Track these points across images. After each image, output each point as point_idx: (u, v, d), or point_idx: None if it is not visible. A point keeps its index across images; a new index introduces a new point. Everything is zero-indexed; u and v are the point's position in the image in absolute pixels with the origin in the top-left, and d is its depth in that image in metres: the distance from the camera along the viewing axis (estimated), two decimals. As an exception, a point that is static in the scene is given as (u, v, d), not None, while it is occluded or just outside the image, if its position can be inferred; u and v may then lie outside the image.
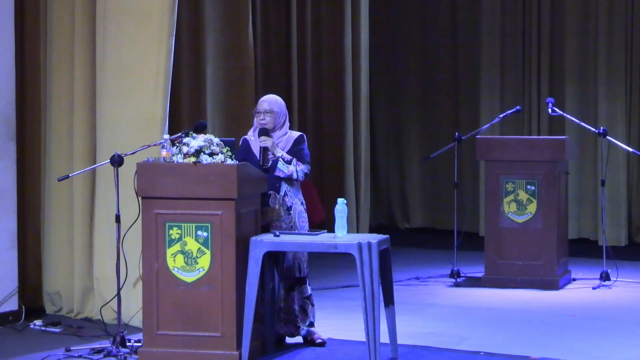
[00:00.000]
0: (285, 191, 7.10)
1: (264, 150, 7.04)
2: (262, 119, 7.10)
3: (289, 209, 7.09)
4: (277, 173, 7.03)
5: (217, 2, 9.87)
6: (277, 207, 7.06)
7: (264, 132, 7.05)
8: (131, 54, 7.76)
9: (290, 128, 7.26)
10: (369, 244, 6.45)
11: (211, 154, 6.55)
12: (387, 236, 6.80)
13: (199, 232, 6.57)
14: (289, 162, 7.04)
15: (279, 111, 7.15)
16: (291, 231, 6.96)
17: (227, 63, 9.92)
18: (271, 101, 7.18)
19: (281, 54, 11.46)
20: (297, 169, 7.06)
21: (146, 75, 7.69)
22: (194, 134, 6.67)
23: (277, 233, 6.72)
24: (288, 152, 7.09)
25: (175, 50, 7.80)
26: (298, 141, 7.16)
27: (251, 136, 7.22)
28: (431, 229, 13.49)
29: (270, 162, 7.05)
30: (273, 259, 6.91)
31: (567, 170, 9.89)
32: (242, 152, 7.15)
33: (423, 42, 13.68)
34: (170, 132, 7.34)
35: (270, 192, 7.04)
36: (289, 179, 7.08)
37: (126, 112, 7.75)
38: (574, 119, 10.33)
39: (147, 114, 7.64)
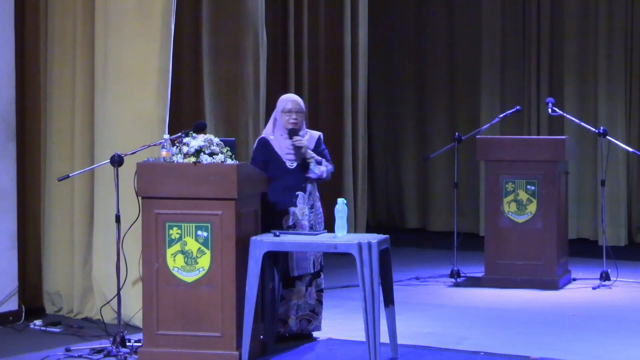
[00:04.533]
0: (310, 190, 7.19)
1: (297, 149, 7.07)
2: (295, 119, 7.13)
3: (312, 206, 7.17)
4: (310, 174, 7.12)
5: (217, 2, 9.85)
6: (304, 206, 7.10)
7: (295, 132, 7.09)
8: (131, 54, 7.76)
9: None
10: (369, 244, 6.44)
11: (211, 154, 6.55)
12: (387, 236, 6.80)
13: (199, 232, 6.56)
14: (319, 163, 7.10)
15: (305, 111, 7.20)
16: (291, 231, 6.97)
17: (227, 63, 9.91)
18: (299, 101, 7.26)
19: (280, 55, 11.44)
20: (326, 170, 7.13)
21: (146, 75, 7.69)
22: (194, 134, 6.67)
23: (277, 233, 6.72)
24: (313, 152, 7.16)
25: (175, 51, 7.80)
26: (320, 141, 7.25)
27: (270, 135, 7.23)
28: (430, 229, 13.48)
29: (298, 162, 7.11)
30: (273, 258, 6.92)
31: (567, 170, 9.89)
32: (262, 152, 7.16)
33: (421, 42, 13.69)
34: (170, 132, 7.34)
35: (298, 193, 7.10)
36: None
37: (126, 112, 7.75)
38: (573, 118, 10.34)
39: (147, 114, 7.65)
